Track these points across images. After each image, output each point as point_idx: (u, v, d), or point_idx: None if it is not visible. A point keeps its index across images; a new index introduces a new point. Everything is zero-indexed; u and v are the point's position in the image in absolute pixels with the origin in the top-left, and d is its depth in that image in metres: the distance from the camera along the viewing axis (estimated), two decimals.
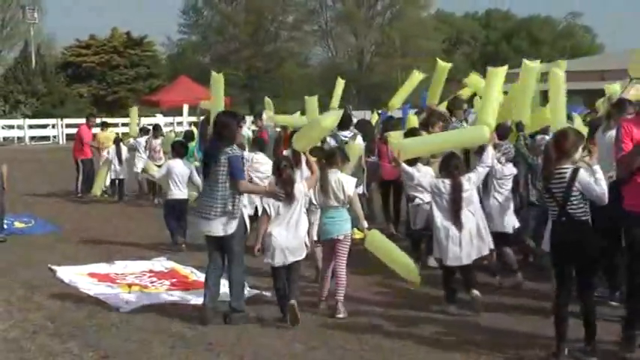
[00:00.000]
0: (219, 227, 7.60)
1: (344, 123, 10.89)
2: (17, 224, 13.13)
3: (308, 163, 8.44)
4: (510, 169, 9.16)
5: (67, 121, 43.01)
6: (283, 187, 7.64)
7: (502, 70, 10.33)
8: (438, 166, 8.79)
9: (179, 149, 12.02)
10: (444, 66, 12.70)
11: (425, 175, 8.87)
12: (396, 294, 8.77)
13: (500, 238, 8.77)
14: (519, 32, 77.44)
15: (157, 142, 16.89)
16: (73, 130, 43.24)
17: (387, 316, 7.90)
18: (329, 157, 8.36)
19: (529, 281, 8.94)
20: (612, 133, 8.00)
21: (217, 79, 12.90)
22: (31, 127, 42.69)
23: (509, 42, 75.96)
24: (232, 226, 7.61)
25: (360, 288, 8.99)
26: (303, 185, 7.85)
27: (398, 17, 66.43)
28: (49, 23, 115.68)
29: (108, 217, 14.93)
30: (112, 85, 54.01)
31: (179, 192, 11.73)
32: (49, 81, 48.70)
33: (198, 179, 11.38)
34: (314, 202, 8.25)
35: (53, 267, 10.00)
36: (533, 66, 10.17)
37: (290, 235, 7.63)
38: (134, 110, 20.23)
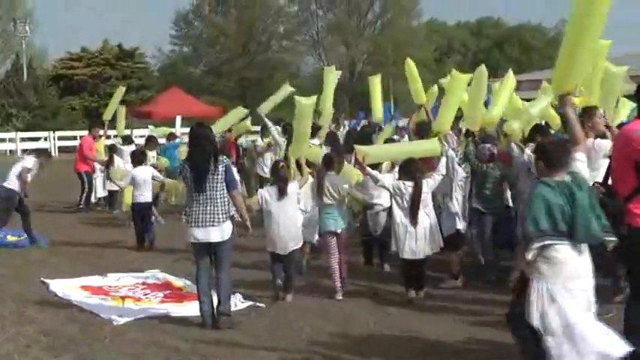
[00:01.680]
0: (217, 234, 7.78)
1: (312, 131, 11.62)
2: (10, 238, 13.06)
3: (300, 167, 9.75)
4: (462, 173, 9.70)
5: (59, 133, 42.95)
6: (278, 184, 8.89)
7: (465, 77, 10.53)
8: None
9: (140, 157, 13.27)
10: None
11: (387, 178, 9.41)
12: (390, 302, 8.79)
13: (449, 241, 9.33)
14: (510, 40, 77.74)
15: (150, 155, 16.09)
16: (66, 143, 43.78)
17: (379, 329, 7.89)
18: (327, 161, 9.50)
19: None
20: (590, 141, 8.07)
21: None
22: (23, 139, 42.58)
23: (501, 50, 76.24)
24: (229, 232, 7.84)
25: (351, 298, 9.04)
26: (295, 184, 9.10)
27: (389, 26, 66.50)
28: (40, 36, 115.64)
29: (100, 228, 14.88)
30: (103, 98, 53.66)
31: (143, 196, 12.86)
32: (40, 94, 48.60)
33: (159, 175, 13.42)
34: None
35: (46, 280, 9.95)
36: (462, 77, 10.57)
37: (286, 227, 8.85)
38: (122, 111, 19.84)
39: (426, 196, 8.89)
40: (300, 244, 9.15)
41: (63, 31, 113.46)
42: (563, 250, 5.31)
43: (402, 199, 8.83)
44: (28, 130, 44.26)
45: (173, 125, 27.37)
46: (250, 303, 8.80)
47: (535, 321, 5.35)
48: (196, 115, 27.43)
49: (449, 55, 76.15)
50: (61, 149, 41.97)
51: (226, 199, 7.84)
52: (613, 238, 5.57)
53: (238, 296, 8.85)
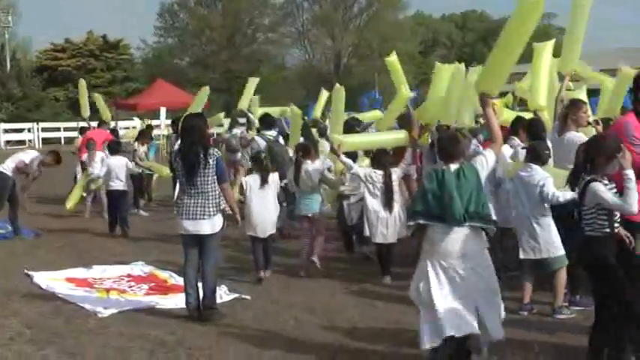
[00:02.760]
0: (207, 226, 7.80)
1: (268, 123, 13.38)
2: None
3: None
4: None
5: (42, 125, 42.75)
6: (260, 174, 9.63)
7: (450, 68, 10.57)
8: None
9: (116, 147, 13.94)
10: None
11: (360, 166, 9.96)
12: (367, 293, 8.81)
13: None
14: (495, 33, 77.60)
15: (142, 149, 16.10)
16: (49, 135, 43.59)
17: (364, 321, 7.91)
18: (304, 151, 10.19)
19: None
20: (571, 135, 8.22)
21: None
22: (6, 131, 42.40)
23: (486, 43, 76.33)
24: (219, 224, 7.86)
25: (337, 292, 9.06)
26: (276, 175, 9.83)
27: (374, 19, 66.49)
28: (24, 27, 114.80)
29: (85, 221, 14.82)
30: (88, 89, 53.52)
31: (118, 184, 13.31)
32: (24, 85, 48.34)
33: (133, 168, 14.11)
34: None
35: (30, 272, 9.90)
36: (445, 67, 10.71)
37: (266, 213, 9.60)
38: (98, 98, 19.83)
39: (395, 184, 9.48)
40: (274, 229, 9.97)
41: (47, 22, 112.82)
42: (436, 230, 5.91)
43: (374, 187, 9.45)
44: (11, 122, 44.04)
45: (158, 117, 27.30)
46: (236, 295, 8.80)
47: (412, 292, 6.04)
48: (181, 107, 27.28)
49: (434, 48, 76.25)
50: (45, 141, 41.80)
51: (217, 192, 7.84)
52: (487, 226, 5.95)
53: (224, 288, 8.85)
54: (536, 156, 7.84)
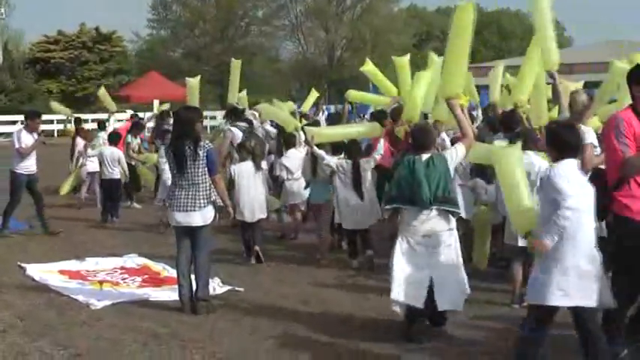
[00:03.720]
0: (199, 218, 7.82)
1: (236, 115, 13.87)
2: None
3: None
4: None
5: None
6: (255, 160, 10.25)
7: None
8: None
9: (116, 138, 14.40)
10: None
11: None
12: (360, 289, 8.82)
13: None
14: (489, 26, 77.80)
15: (136, 142, 15.91)
16: (42, 127, 42.86)
17: (358, 312, 7.93)
18: (288, 140, 11.34)
19: None
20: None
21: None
22: None
23: (480, 36, 76.33)
24: (210, 216, 7.88)
25: (330, 284, 9.06)
26: (264, 162, 10.60)
27: (368, 12, 66.20)
28: (16, 19, 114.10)
29: (79, 212, 14.80)
30: (81, 81, 53.38)
31: (111, 172, 13.71)
32: (17, 77, 48.14)
33: (124, 163, 14.13)
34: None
35: (22, 264, 9.89)
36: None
37: (254, 198, 10.12)
38: (101, 91, 19.65)
39: (367, 173, 9.88)
40: (264, 215, 10.39)
41: (40, 14, 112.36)
42: (407, 213, 6.84)
43: (346, 177, 9.82)
44: (4, 114, 43.80)
45: (151, 109, 27.25)
46: (229, 287, 8.81)
47: (390, 265, 6.89)
48: (174, 99, 27.25)
49: (428, 41, 76.13)
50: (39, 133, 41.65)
51: (208, 184, 7.86)
52: (454, 209, 6.86)
53: (217, 280, 8.86)
54: (530, 142, 7.85)
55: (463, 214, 8.27)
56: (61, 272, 9.66)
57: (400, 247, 6.85)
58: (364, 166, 9.85)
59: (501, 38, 74.76)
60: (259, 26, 66.32)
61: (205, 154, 7.79)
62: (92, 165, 15.71)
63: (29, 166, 12.34)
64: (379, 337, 6.97)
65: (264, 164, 10.93)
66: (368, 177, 9.97)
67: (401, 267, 6.79)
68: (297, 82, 62.99)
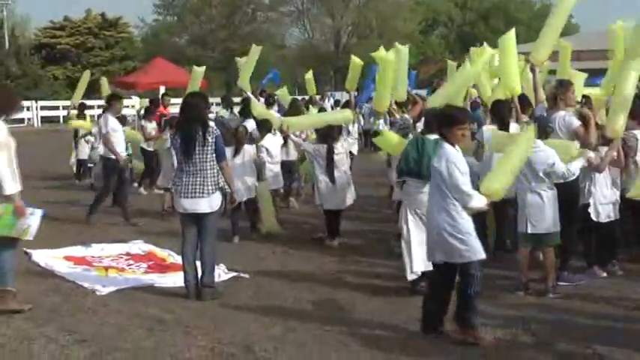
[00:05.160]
0: (206, 205, 7.78)
1: (228, 103, 15.27)
2: None
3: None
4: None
5: (41, 103, 42.59)
6: (237, 145, 10.75)
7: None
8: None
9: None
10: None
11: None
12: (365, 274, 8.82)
13: None
14: (496, 13, 77.42)
15: (152, 126, 15.69)
16: (48, 113, 43.47)
17: (363, 297, 7.93)
18: (264, 125, 11.62)
19: None
20: (561, 113, 8.44)
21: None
22: None
23: (486, 23, 76.00)
24: (217, 202, 7.85)
25: (335, 270, 9.07)
26: (252, 147, 11.03)
27: None
28: (22, 5, 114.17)
29: (84, 199, 14.80)
30: (87, 67, 53.24)
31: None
32: (22, 63, 48.06)
33: (129, 150, 13.81)
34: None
35: (28, 250, 9.88)
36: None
37: (242, 179, 10.54)
38: (104, 81, 19.96)
39: (342, 156, 10.57)
40: (253, 195, 10.97)
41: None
42: (413, 185, 7.74)
43: (323, 160, 10.48)
44: None
45: (157, 95, 27.17)
46: (234, 273, 8.82)
47: (399, 230, 7.97)
48: (180, 86, 27.20)
49: (434, 27, 75.85)
50: (44, 119, 41.72)
51: (216, 170, 7.82)
52: None
53: (222, 267, 8.86)
54: (542, 130, 7.81)
55: None
56: (67, 258, 9.69)
57: (411, 221, 7.72)
58: (339, 149, 10.48)
59: (508, 25, 74.33)
60: (265, 12, 66.12)
61: (214, 139, 7.76)
62: (83, 152, 15.83)
63: (121, 151, 12.29)
64: (386, 325, 6.97)
65: (251, 150, 11.03)
66: (344, 160, 10.68)
67: (417, 241, 7.53)
68: (304, 69, 62.88)
